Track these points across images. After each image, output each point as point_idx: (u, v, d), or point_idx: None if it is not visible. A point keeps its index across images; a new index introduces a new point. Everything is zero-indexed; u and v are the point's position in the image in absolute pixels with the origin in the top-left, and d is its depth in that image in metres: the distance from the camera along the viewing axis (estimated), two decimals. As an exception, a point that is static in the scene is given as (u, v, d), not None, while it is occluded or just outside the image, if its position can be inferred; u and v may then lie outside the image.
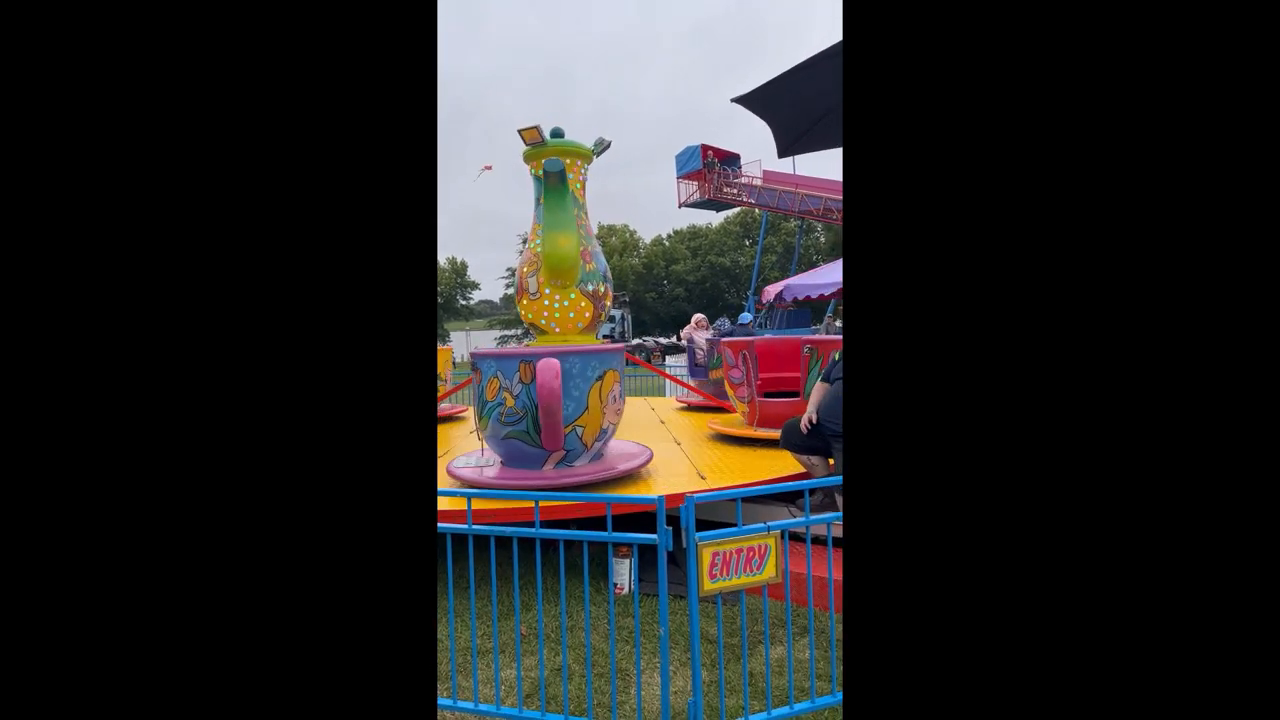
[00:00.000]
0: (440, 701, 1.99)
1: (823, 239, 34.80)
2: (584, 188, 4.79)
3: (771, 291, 11.06)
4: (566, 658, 2.19)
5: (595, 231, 5.52)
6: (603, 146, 4.84)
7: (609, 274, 4.83)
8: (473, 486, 2.93)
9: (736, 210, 28.46)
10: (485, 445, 3.26)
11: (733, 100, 3.36)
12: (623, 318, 23.86)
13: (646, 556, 2.97)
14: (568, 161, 4.66)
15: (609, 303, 4.75)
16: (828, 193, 17.93)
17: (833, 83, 2.92)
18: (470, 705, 1.96)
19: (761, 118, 3.34)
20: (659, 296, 38.73)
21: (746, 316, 8.35)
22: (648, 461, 3.31)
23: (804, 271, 15.45)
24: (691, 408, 5.86)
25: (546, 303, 4.74)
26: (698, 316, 6.91)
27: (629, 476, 3.13)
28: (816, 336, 4.99)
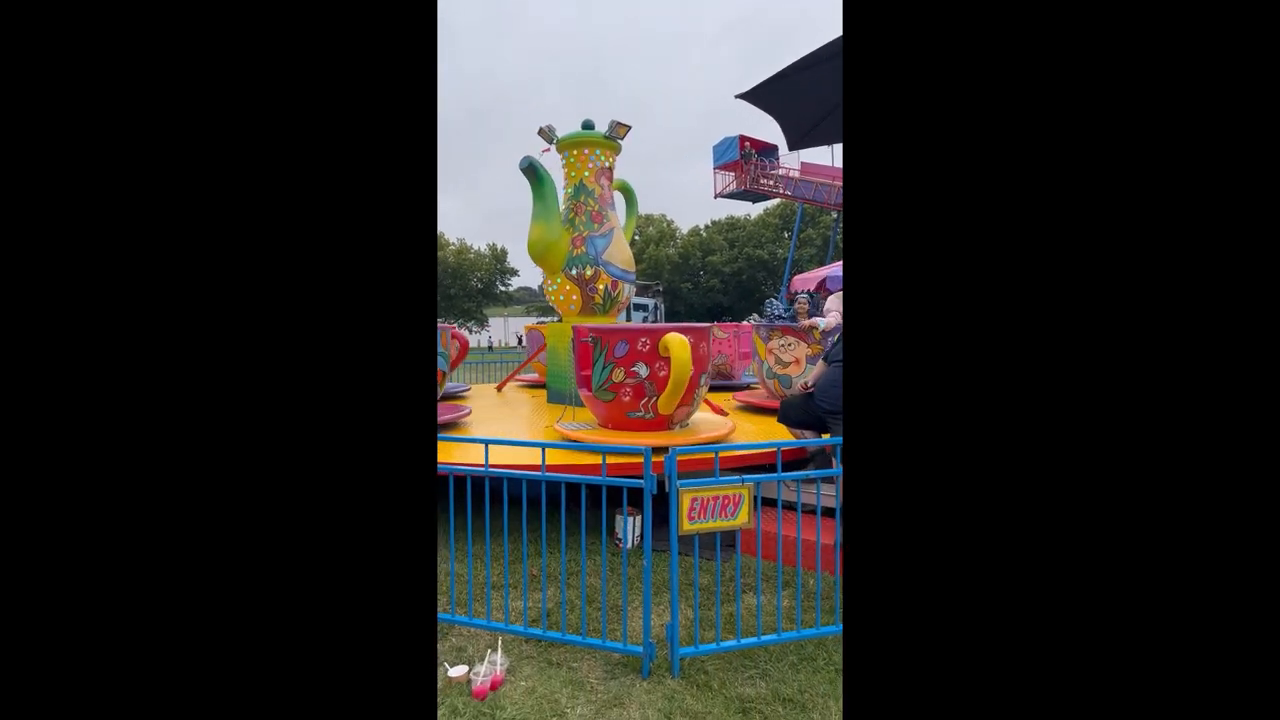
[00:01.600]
0: (459, 619, 2.33)
1: (862, 232, 34.14)
2: (596, 174, 5.04)
3: (802, 282, 11.11)
4: (566, 594, 2.50)
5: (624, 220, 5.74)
6: (613, 129, 5.07)
7: (610, 258, 4.98)
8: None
9: (776, 202, 28.25)
10: None
11: (737, 96, 3.52)
12: (656, 306, 24.06)
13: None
14: (575, 151, 5.00)
15: (604, 286, 4.98)
16: (865, 185, 17.74)
17: (836, 78, 3.08)
18: (484, 622, 2.29)
19: (769, 113, 3.49)
20: (694, 287, 38.75)
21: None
22: (464, 416, 4.34)
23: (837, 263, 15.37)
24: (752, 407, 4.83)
25: (546, 288, 5.21)
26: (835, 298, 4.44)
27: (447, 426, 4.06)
28: (623, 325, 4.21)
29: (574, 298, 5.03)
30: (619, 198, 5.80)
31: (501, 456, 3.08)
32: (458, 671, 2.05)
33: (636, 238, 37.42)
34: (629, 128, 5.03)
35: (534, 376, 6.82)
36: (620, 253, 5.10)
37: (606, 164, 5.08)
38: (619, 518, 3.19)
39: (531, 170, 4.63)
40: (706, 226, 40.91)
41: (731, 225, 39.77)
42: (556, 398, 5.12)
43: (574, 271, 4.96)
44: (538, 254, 4.90)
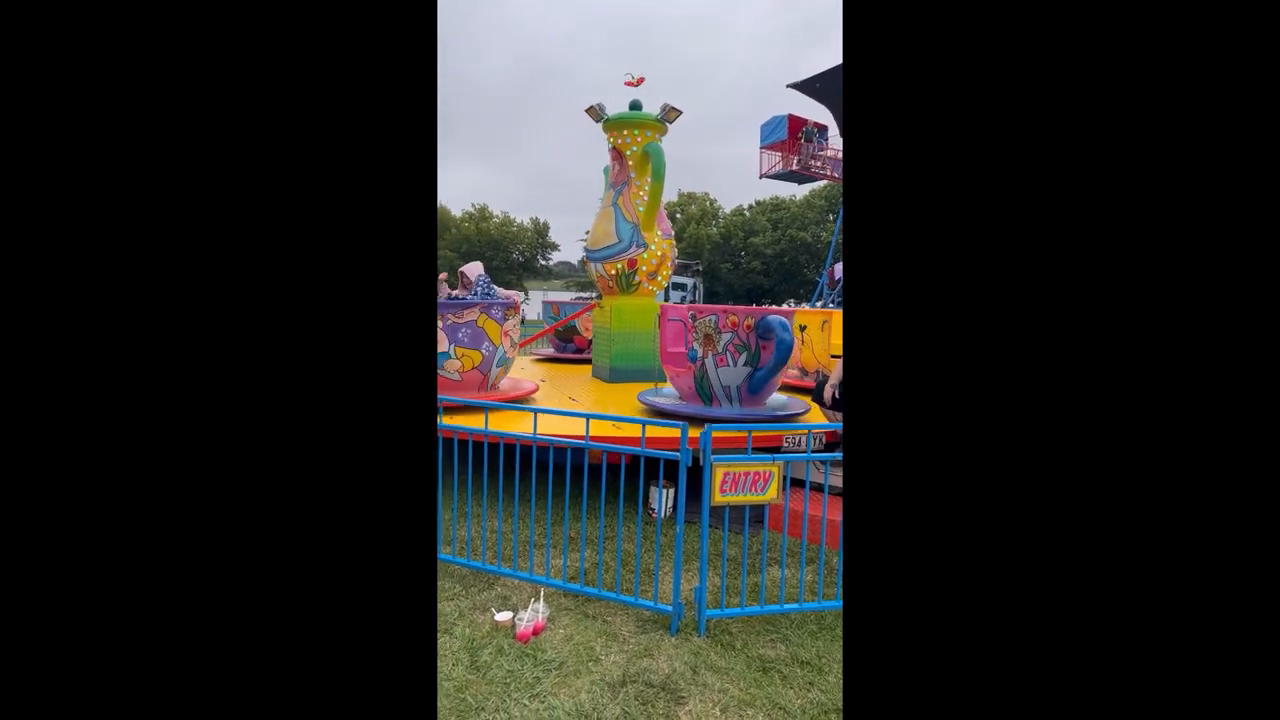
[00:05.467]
0: (504, 570, 2.54)
1: (912, 217, 33.16)
2: (611, 158, 5.24)
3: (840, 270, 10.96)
4: (602, 556, 2.69)
5: (663, 199, 5.74)
6: (665, 112, 5.20)
7: (587, 240, 5.26)
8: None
9: (821, 183, 27.60)
10: None
11: (789, 86, 3.55)
12: (694, 286, 23.99)
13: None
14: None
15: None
16: (917, 170, 17.22)
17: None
18: (527, 574, 2.50)
19: (820, 103, 3.51)
20: (734, 268, 38.35)
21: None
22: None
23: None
24: None
25: None
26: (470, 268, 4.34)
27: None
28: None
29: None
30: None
31: (553, 427, 3.26)
32: (504, 616, 2.26)
33: (679, 215, 37.08)
34: (597, 105, 5.21)
35: (549, 351, 7.15)
36: (592, 232, 5.21)
37: (610, 145, 5.23)
38: (653, 489, 3.36)
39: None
40: (750, 206, 40.33)
41: (776, 206, 39.09)
42: (622, 376, 5.15)
43: None
44: None
